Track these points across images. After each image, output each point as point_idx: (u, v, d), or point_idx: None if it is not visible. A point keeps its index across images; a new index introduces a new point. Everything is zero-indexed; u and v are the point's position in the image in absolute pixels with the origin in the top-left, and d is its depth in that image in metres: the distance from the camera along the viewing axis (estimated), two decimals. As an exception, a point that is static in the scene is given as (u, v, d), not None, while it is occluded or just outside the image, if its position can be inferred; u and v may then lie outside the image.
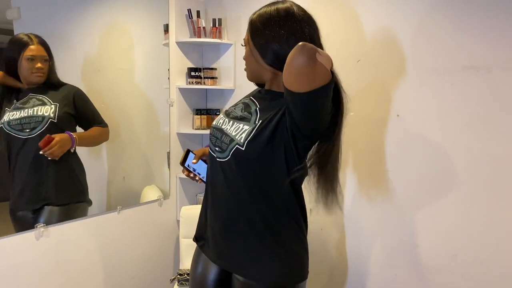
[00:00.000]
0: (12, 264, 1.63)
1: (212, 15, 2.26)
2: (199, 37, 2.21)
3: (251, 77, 1.27)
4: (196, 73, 2.23)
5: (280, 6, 1.15)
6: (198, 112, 2.30)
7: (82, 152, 1.89)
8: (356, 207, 1.79)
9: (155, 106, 2.31)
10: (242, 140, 1.14)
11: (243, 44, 1.23)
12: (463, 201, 1.49)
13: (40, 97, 1.76)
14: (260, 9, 1.17)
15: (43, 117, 1.73)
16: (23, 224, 1.73)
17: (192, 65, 2.29)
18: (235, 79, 2.24)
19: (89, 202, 1.94)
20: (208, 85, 2.25)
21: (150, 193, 2.24)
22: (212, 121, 2.30)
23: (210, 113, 2.32)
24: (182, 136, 2.29)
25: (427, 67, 1.53)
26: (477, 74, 1.42)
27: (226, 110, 1.30)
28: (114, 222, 2.01)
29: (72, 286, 1.85)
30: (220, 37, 2.22)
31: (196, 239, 1.36)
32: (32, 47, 1.72)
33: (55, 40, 1.81)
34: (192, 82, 2.23)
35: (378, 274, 1.75)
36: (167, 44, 2.19)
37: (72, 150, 1.78)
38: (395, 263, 1.69)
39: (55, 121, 1.75)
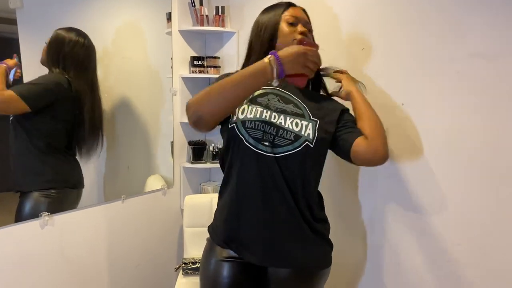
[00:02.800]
0: (17, 253, 1.65)
1: (215, 3, 2.24)
2: (202, 25, 2.19)
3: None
4: (199, 62, 2.21)
5: None
6: (202, 101, 2.28)
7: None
8: (358, 196, 1.78)
9: (158, 95, 2.31)
10: (311, 137, 1.19)
11: (304, 26, 1.31)
12: (468, 190, 1.48)
13: None
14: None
15: None
16: None
17: (195, 54, 2.28)
18: (238, 67, 2.22)
19: (74, 188, 1.90)
20: (211, 74, 2.24)
21: (154, 182, 2.25)
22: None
23: (214, 102, 2.31)
24: (185, 126, 2.29)
25: (432, 55, 1.51)
26: (484, 62, 1.40)
27: (255, 101, 1.25)
28: (118, 211, 2.02)
29: (77, 274, 1.87)
30: (223, 25, 2.20)
31: (226, 243, 1.29)
32: None
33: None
34: (195, 71, 2.22)
35: (380, 262, 1.75)
36: (169, 33, 2.18)
37: None
38: (398, 252, 1.69)
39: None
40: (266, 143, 1.18)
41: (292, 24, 1.28)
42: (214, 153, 2.29)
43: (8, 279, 1.63)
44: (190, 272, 2.00)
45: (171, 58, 2.19)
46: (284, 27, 1.27)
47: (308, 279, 1.27)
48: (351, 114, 1.36)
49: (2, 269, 1.61)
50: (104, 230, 1.96)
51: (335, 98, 1.44)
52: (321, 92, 1.47)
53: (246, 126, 1.20)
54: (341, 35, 1.77)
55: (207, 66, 2.23)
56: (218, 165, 2.28)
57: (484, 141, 1.43)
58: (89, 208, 1.90)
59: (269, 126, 1.19)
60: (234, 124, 1.21)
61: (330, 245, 1.35)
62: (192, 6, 2.19)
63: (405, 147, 1.63)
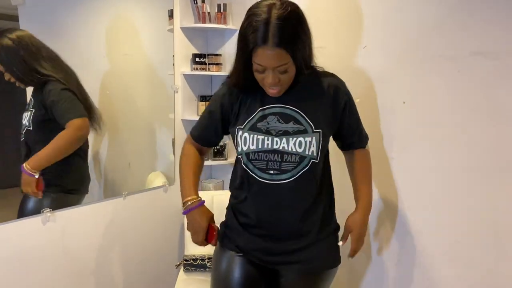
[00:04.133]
0: (19, 249, 1.66)
1: (217, 0, 2.23)
2: (204, 22, 2.19)
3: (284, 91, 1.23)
4: (201, 59, 2.22)
5: (293, 7, 1.14)
6: (203, 98, 2.29)
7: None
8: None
9: (160, 92, 2.31)
10: (315, 154, 1.22)
11: (275, 71, 1.14)
12: (468, 188, 1.49)
13: (31, 100, 1.74)
14: (272, 12, 1.10)
15: (24, 124, 1.73)
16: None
17: (196, 51, 2.28)
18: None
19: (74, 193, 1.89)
20: (213, 72, 2.24)
21: (155, 179, 2.25)
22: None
23: (215, 99, 2.31)
24: (187, 123, 2.29)
25: (434, 53, 1.51)
26: (485, 60, 1.40)
27: (256, 127, 1.23)
28: (119, 207, 2.03)
29: (78, 270, 1.88)
30: (225, 23, 2.20)
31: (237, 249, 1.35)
32: None
33: (59, 26, 1.80)
34: (197, 68, 2.22)
35: (379, 260, 1.76)
36: (171, 30, 2.18)
37: (37, 176, 1.64)
38: (397, 250, 1.69)
39: (30, 128, 1.71)
40: (272, 172, 1.21)
41: (261, 71, 1.16)
42: (215, 150, 2.29)
43: (10, 274, 1.64)
44: (191, 269, 2.01)
45: (173, 55, 2.19)
46: (255, 72, 1.17)
47: (316, 278, 1.32)
48: (351, 112, 1.33)
49: (4, 264, 1.62)
50: (105, 226, 1.97)
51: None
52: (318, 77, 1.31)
53: (250, 158, 1.24)
54: (342, 34, 1.77)
55: (209, 64, 2.23)
56: (219, 162, 2.30)
57: (485, 139, 1.43)
58: (91, 204, 1.90)
59: (273, 154, 1.21)
60: (240, 156, 1.27)
61: (337, 243, 1.38)
62: (194, 3, 2.19)
63: (406, 145, 1.63)
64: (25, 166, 1.63)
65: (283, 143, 1.20)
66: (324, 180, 1.32)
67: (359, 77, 1.72)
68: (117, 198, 2.02)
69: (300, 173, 1.21)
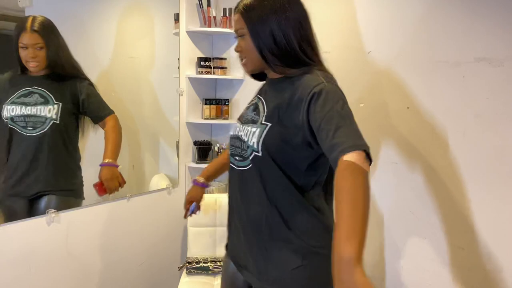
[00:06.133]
0: (23, 249, 1.67)
1: (222, 5, 2.25)
2: (209, 26, 2.21)
3: (252, 68, 1.19)
4: (206, 63, 2.23)
5: None
6: (208, 102, 2.30)
7: (87, 140, 1.91)
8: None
9: (164, 95, 2.32)
10: (255, 146, 1.10)
11: (237, 36, 1.17)
12: (471, 194, 1.48)
13: (44, 93, 1.72)
14: None
15: (46, 118, 1.71)
16: (15, 212, 1.73)
17: (202, 55, 2.29)
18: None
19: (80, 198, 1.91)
20: (217, 75, 2.25)
21: (159, 181, 2.26)
22: (221, 111, 2.33)
23: (219, 103, 2.33)
24: (191, 126, 2.30)
25: (438, 59, 1.52)
26: (489, 66, 1.40)
27: (240, 116, 1.28)
28: (123, 209, 2.03)
29: (81, 271, 1.89)
30: (230, 27, 2.21)
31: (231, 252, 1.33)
32: (25, 34, 1.63)
33: (66, 28, 1.81)
34: (202, 72, 2.24)
35: (384, 265, 1.75)
36: (177, 33, 2.19)
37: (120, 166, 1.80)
38: (401, 255, 1.69)
39: (58, 122, 1.72)
40: (237, 158, 1.21)
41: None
42: (219, 153, 2.30)
43: (15, 274, 1.65)
44: (194, 272, 2.01)
45: (178, 59, 2.21)
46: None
47: None
48: (319, 110, 1.01)
49: (9, 264, 1.63)
50: (109, 228, 1.98)
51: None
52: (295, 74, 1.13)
53: (229, 143, 1.26)
54: (347, 39, 1.78)
55: (214, 67, 2.25)
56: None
57: (489, 145, 1.43)
58: (95, 206, 1.91)
59: (238, 141, 1.21)
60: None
61: (304, 261, 1.12)
62: (200, 7, 2.20)
63: (410, 150, 1.63)
64: (108, 160, 1.76)
65: (241, 131, 1.20)
66: (280, 187, 1.12)
67: (363, 82, 1.73)
68: (121, 199, 2.02)
69: (250, 165, 1.14)
